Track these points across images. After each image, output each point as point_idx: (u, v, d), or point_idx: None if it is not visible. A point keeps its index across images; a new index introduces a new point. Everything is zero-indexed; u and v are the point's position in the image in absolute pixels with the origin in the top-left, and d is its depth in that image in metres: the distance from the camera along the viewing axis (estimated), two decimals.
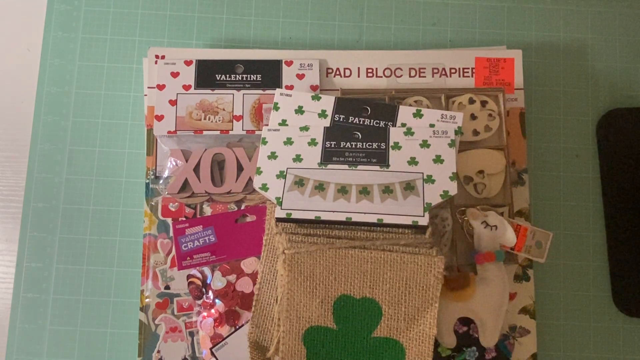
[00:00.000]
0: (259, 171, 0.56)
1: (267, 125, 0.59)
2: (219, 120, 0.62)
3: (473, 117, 0.62)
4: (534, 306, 0.61)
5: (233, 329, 0.59)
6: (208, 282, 0.60)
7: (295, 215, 0.54)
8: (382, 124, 0.59)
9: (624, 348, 0.63)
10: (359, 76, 0.65)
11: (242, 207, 0.62)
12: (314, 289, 0.53)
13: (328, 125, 0.59)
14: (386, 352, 0.53)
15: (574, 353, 0.63)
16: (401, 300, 0.53)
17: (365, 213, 0.54)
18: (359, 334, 0.53)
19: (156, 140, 0.62)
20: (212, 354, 0.59)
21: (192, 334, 0.60)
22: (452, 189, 0.55)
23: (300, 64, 0.64)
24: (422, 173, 0.56)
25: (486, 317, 0.58)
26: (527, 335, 0.61)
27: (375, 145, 0.57)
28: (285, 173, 0.56)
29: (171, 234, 0.61)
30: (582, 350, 0.63)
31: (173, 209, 0.62)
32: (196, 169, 0.61)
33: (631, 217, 0.64)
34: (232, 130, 0.62)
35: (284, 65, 0.64)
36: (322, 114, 0.60)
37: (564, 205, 0.65)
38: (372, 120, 0.59)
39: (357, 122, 0.60)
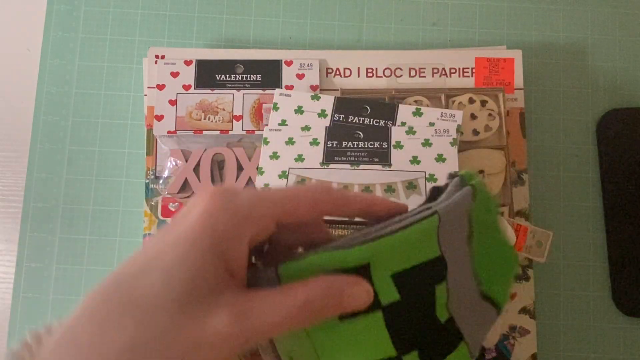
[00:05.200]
0: (261, 171, 0.56)
1: (268, 125, 0.59)
2: (219, 120, 0.62)
3: (473, 116, 0.62)
4: (534, 306, 0.61)
5: None
6: None
7: None
8: (382, 123, 0.59)
9: (624, 348, 0.63)
10: (359, 76, 0.65)
11: None
12: None
13: (328, 124, 0.59)
14: None
15: (574, 353, 0.63)
16: None
17: None
18: None
19: (156, 140, 0.62)
20: None
21: None
22: None
23: (300, 64, 0.64)
24: (424, 172, 0.56)
25: None
26: (527, 335, 0.61)
27: (377, 144, 0.58)
28: (287, 173, 0.56)
29: None
30: (582, 350, 0.63)
31: (173, 209, 0.62)
32: (196, 169, 0.61)
33: (631, 217, 0.64)
34: (232, 130, 0.62)
35: (284, 65, 0.64)
36: (322, 114, 0.60)
37: (564, 205, 0.65)
38: (372, 120, 0.60)
39: (357, 121, 0.60)
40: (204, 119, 0.62)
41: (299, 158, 0.57)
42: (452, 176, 0.41)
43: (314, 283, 0.31)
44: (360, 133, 0.58)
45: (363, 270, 0.34)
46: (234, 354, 0.29)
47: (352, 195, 0.36)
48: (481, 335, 0.39)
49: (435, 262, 0.36)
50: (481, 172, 0.61)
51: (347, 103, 0.60)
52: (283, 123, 0.59)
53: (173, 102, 0.62)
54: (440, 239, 0.36)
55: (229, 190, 0.31)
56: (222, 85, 0.63)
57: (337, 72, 0.65)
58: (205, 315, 0.28)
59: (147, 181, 0.62)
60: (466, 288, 0.39)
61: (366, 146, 0.57)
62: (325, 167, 0.56)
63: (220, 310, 0.29)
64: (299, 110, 0.60)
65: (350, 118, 0.60)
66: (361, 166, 0.56)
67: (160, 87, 0.62)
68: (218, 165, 0.62)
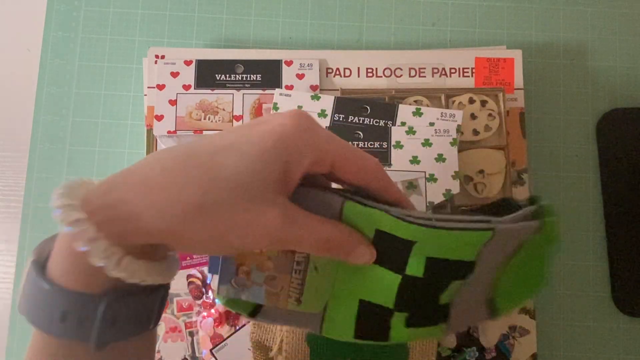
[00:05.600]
0: None
1: None
2: (219, 120, 0.62)
3: (473, 116, 0.62)
4: (534, 306, 0.61)
5: (233, 329, 0.59)
6: (208, 282, 0.60)
7: None
8: (382, 123, 0.59)
9: (624, 348, 0.63)
10: (359, 76, 0.65)
11: None
12: None
13: (328, 124, 0.59)
14: (390, 350, 0.53)
15: (574, 353, 0.63)
16: None
17: None
18: None
19: (156, 140, 0.62)
20: (212, 355, 0.59)
21: (192, 334, 0.60)
22: (455, 187, 0.55)
23: (300, 64, 0.64)
24: (425, 172, 0.56)
25: None
26: (527, 335, 0.61)
27: (377, 144, 0.58)
28: None
29: None
30: (582, 350, 0.63)
31: None
32: None
33: (631, 217, 0.64)
34: None
35: (284, 65, 0.64)
36: (322, 114, 0.60)
37: (564, 205, 0.65)
38: (372, 120, 0.60)
39: (357, 121, 0.60)
40: (204, 119, 0.62)
41: None
42: (532, 201, 0.45)
43: (340, 228, 0.37)
44: (360, 133, 0.58)
45: (408, 243, 0.39)
46: (268, 247, 0.37)
47: (393, 183, 0.40)
48: (464, 325, 0.45)
49: (465, 264, 0.41)
50: (481, 172, 0.61)
51: (347, 103, 0.60)
52: None
53: (173, 102, 0.62)
54: (483, 250, 0.40)
55: (310, 117, 0.36)
56: (222, 85, 0.63)
57: (337, 72, 0.65)
58: (263, 206, 0.33)
59: None
60: (477, 288, 0.44)
61: (366, 146, 0.57)
62: None
63: (276, 207, 0.34)
64: None
65: (350, 118, 0.60)
66: None
67: (160, 87, 0.62)
68: None
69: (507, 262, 0.44)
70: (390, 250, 0.40)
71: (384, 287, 0.41)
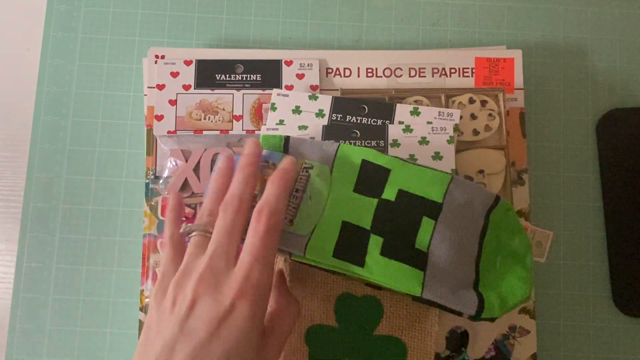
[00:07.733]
0: None
1: (265, 125, 0.60)
2: (219, 120, 0.62)
3: (473, 116, 0.62)
4: (534, 306, 0.61)
5: None
6: None
7: None
8: (379, 122, 0.59)
9: (624, 348, 0.63)
10: (359, 76, 0.65)
11: None
12: (315, 287, 0.53)
13: (326, 124, 0.59)
14: (388, 350, 0.53)
15: (574, 353, 0.63)
16: (402, 298, 0.53)
17: None
18: (361, 332, 0.53)
19: (156, 140, 0.62)
20: None
21: None
22: None
23: (300, 64, 0.64)
24: None
25: (479, 327, 0.58)
26: (527, 335, 0.60)
27: (374, 143, 0.58)
28: None
29: None
30: (582, 350, 0.63)
31: None
32: (196, 169, 0.61)
33: (631, 217, 0.64)
34: (232, 130, 0.62)
35: (283, 65, 0.64)
36: (320, 114, 0.60)
37: (564, 205, 0.65)
38: (369, 119, 0.60)
39: (355, 120, 0.60)
40: (204, 119, 0.62)
41: None
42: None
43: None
44: (357, 132, 0.58)
45: (385, 171, 0.51)
46: None
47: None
48: (448, 295, 0.47)
49: (432, 203, 0.50)
50: (481, 172, 0.61)
51: (344, 103, 0.60)
52: (281, 123, 0.59)
53: (173, 102, 0.62)
54: (448, 195, 0.50)
55: None
56: (222, 85, 0.63)
57: (337, 72, 0.65)
58: None
59: (147, 181, 0.62)
60: (459, 266, 0.49)
61: (363, 145, 0.57)
62: None
63: None
64: (297, 110, 0.60)
65: (348, 118, 0.60)
66: None
67: (160, 87, 0.62)
68: None
69: (480, 236, 0.50)
70: (371, 178, 0.51)
71: (364, 210, 0.49)
